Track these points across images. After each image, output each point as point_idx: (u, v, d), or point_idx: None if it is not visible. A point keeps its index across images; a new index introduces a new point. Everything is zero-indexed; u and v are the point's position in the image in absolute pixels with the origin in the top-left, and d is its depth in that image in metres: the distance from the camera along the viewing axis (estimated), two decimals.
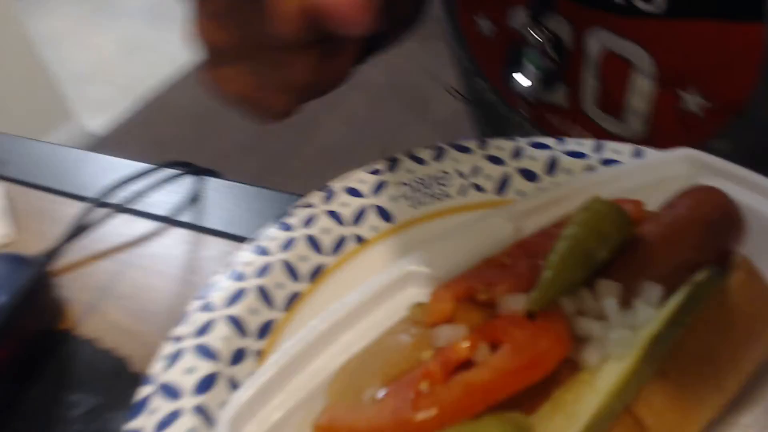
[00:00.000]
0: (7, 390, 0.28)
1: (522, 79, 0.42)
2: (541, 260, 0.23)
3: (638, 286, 0.21)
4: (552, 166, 0.32)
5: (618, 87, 0.39)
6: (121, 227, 0.37)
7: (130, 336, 0.29)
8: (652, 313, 0.19)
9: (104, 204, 0.35)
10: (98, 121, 2.20)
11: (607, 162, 0.31)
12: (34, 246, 0.36)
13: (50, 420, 0.26)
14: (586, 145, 0.33)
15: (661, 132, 0.39)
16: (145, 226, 0.37)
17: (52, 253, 0.30)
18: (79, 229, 0.33)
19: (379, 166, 0.33)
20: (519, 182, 0.32)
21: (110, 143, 2.07)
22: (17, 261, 0.31)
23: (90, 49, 2.79)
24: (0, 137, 0.47)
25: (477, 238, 0.27)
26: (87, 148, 2.00)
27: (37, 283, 0.29)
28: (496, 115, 0.50)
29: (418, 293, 0.25)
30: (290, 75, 0.25)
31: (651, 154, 0.31)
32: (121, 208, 0.36)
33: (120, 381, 0.27)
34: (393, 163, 0.33)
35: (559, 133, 0.43)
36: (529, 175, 0.32)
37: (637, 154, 0.31)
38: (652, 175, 0.29)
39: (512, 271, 0.24)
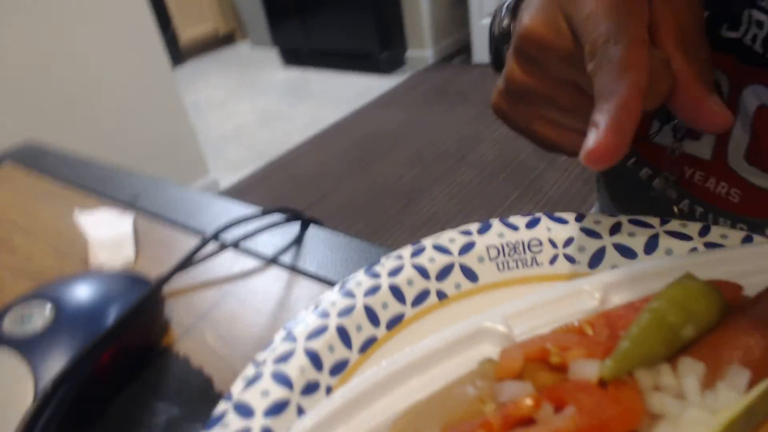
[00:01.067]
0: (105, 391, 0.31)
1: (670, 130, 0.41)
2: (623, 332, 0.22)
3: (724, 369, 0.19)
4: (652, 245, 0.31)
5: None
6: (228, 262, 0.40)
7: (219, 359, 0.32)
8: (734, 398, 0.18)
9: (216, 240, 0.39)
10: (229, 177, 2.42)
11: (712, 245, 0.30)
12: (152, 270, 0.40)
13: (134, 423, 0.29)
14: (690, 227, 0.32)
15: None
16: (249, 263, 0.40)
17: (165, 278, 0.34)
18: (191, 260, 0.37)
19: (471, 227, 0.33)
20: (614, 257, 0.31)
21: (234, 195, 2.25)
22: (136, 280, 0.35)
23: (232, 117, 3.12)
24: (136, 176, 0.54)
25: (559, 304, 0.26)
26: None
27: (148, 301, 0.33)
28: (634, 180, 0.47)
29: (491, 350, 0.25)
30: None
31: (760, 241, 0.29)
32: (230, 245, 0.40)
33: (204, 397, 0.29)
34: (485, 227, 0.33)
35: (701, 189, 0.41)
36: (625, 252, 0.31)
37: (747, 241, 0.29)
38: (756, 262, 0.27)
39: (590, 339, 0.23)
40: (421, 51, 3.38)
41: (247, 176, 2.42)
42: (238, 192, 2.29)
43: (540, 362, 0.22)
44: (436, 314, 0.30)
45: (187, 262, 0.36)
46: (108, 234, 0.43)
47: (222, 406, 0.24)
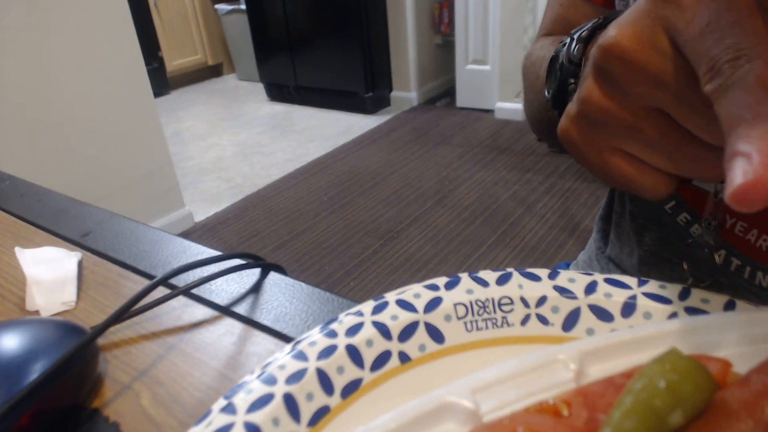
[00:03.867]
0: None
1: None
2: (603, 414, 0.20)
3: None
4: (629, 308, 0.29)
5: None
6: (177, 310, 0.37)
7: (153, 426, 0.28)
8: None
9: (166, 285, 0.36)
10: (205, 211, 2.37)
11: (693, 311, 0.28)
12: (93, 316, 0.37)
13: None
14: (670, 289, 0.30)
15: None
16: (201, 312, 0.37)
17: (101, 329, 0.30)
18: (133, 308, 0.33)
19: (438, 281, 0.31)
20: (590, 320, 0.29)
21: (208, 229, 2.21)
22: (70, 329, 0.31)
23: (212, 149, 3.09)
24: (92, 209, 0.51)
25: (531, 376, 0.24)
26: (184, 234, 2.14)
27: (79, 355, 0.29)
28: (671, 225, 0.44)
29: (456, 430, 0.22)
30: (680, 165, 0.23)
31: (744, 307, 0.27)
32: (181, 291, 0.37)
33: None
34: (453, 281, 0.31)
35: (740, 241, 0.39)
36: (601, 314, 0.29)
37: (729, 307, 0.27)
38: (742, 332, 0.25)
39: (567, 423, 0.21)
40: (406, 93, 3.43)
41: (222, 210, 2.38)
42: (213, 226, 2.25)
43: None
44: (397, 379, 0.27)
45: (128, 309, 0.32)
46: (49, 274, 0.40)
47: None
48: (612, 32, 0.22)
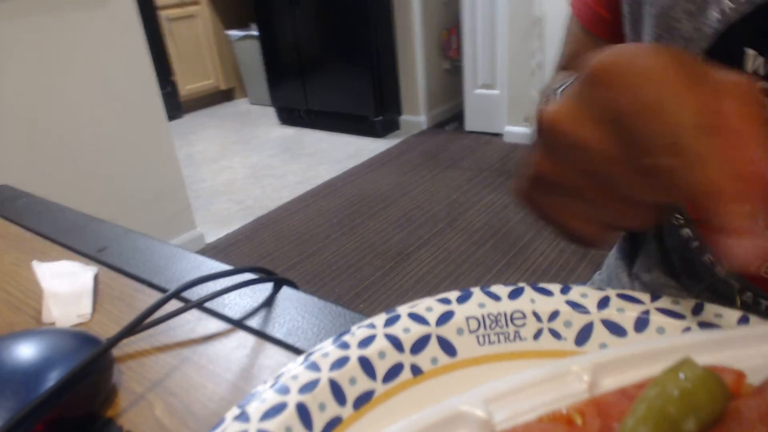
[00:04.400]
0: None
1: None
2: (616, 422, 0.20)
3: None
4: (642, 323, 0.29)
5: None
6: (191, 323, 0.37)
7: None
8: None
9: (180, 298, 0.36)
10: (216, 232, 2.39)
11: (706, 325, 0.28)
12: (108, 328, 0.37)
13: None
14: (684, 304, 0.30)
15: None
16: (214, 325, 0.37)
17: (116, 339, 0.31)
18: (147, 320, 0.34)
19: (450, 296, 0.31)
20: (603, 334, 0.29)
21: (219, 250, 2.22)
22: (86, 339, 0.32)
23: (224, 172, 3.12)
24: (107, 225, 0.51)
25: (545, 387, 0.24)
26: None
27: (94, 365, 0.30)
28: (697, 263, 0.45)
29: None
30: (618, 219, 0.26)
31: (758, 322, 0.27)
32: (195, 305, 0.37)
33: None
34: (465, 295, 0.31)
35: (758, 280, 0.39)
36: (614, 329, 0.29)
37: (743, 321, 0.27)
38: (755, 345, 0.25)
39: (580, 431, 0.21)
40: (416, 117, 3.46)
41: (233, 231, 2.39)
42: (224, 247, 2.26)
43: None
44: (409, 392, 0.27)
45: (142, 321, 0.33)
46: (66, 287, 0.40)
47: None
48: (551, 106, 0.25)
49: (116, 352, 0.35)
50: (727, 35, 0.34)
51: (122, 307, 0.40)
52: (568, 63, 0.51)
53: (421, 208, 2.41)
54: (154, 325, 0.36)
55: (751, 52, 0.33)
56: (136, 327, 0.32)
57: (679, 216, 0.45)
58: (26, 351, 0.30)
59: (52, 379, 0.29)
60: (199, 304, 0.37)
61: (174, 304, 0.37)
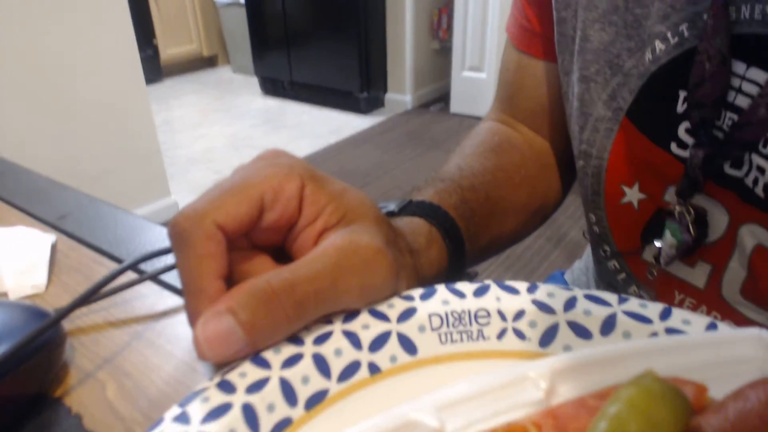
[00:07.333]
0: None
1: (657, 248, 0.40)
2: None
3: None
4: (608, 326, 0.28)
5: None
6: (149, 298, 0.36)
7: (116, 419, 0.27)
8: None
9: (137, 270, 0.35)
10: (191, 200, 2.35)
11: (673, 331, 0.27)
12: (62, 300, 0.36)
13: None
14: (651, 308, 0.29)
15: None
16: (173, 301, 0.36)
17: (65, 312, 0.29)
18: (102, 290, 0.32)
19: (413, 292, 0.30)
20: (568, 336, 0.28)
21: None
22: (34, 313, 0.30)
23: (202, 139, 3.07)
24: (69, 191, 0.49)
25: (500, 393, 0.23)
26: (168, 222, 2.13)
27: (44, 339, 0.28)
28: (615, 285, 0.47)
29: None
30: None
31: (724, 329, 0.26)
32: (149, 277, 0.36)
33: None
34: (429, 292, 0.30)
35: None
36: (580, 331, 0.29)
37: (711, 328, 0.27)
38: (719, 353, 0.25)
39: None
40: (401, 95, 3.42)
41: None
42: None
43: None
44: (366, 391, 0.26)
45: (95, 292, 0.31)
46: (21, 256, 0.39)
47: None
48: (180, 210, 0.28)
49: (68, 326, 0.33)
50: (658, 75, 0.35)
51: (79, 278, 0.38)
52: (500, 93, 0.53)
53: (401, 188, 2.40)
54: (106, 296, 0.35)
55: (683, 94, 0.35)
56: (88, 298, 0.31)
57: (607, 248, 0.46)
58: None
59: None
60: (154, 276, 0.36)
61: (132, 277, 0.36)
